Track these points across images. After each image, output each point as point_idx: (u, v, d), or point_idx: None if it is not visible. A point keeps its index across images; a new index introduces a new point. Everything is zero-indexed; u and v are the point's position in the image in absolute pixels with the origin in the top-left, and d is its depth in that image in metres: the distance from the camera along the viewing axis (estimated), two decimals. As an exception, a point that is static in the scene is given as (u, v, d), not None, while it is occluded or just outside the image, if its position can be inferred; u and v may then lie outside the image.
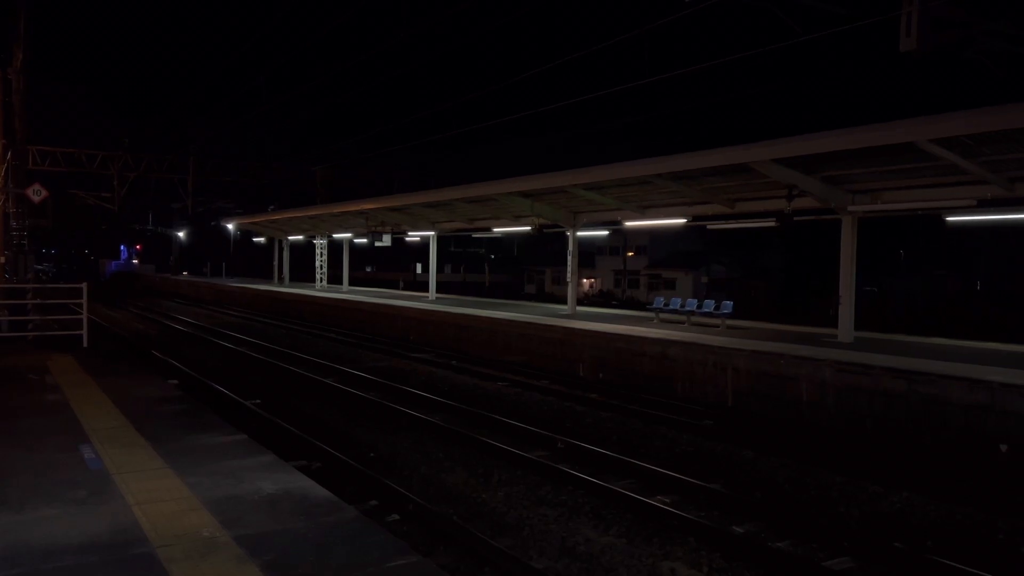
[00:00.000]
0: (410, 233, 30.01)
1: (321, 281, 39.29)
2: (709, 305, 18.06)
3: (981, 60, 9.67)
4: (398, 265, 70.08)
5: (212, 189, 47.44)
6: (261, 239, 46.61)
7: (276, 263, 44.69)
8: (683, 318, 18.35)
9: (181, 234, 56.14)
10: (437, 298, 28.24)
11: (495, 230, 24.70)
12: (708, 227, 20.38)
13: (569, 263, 21.78)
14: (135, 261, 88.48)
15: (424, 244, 29.23)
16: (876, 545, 6.68)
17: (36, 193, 16.60)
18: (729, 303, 17.73)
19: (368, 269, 73.90)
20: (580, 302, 25.11)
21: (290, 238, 41.39)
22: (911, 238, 51.96)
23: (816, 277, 41.99)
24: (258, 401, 12.64)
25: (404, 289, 44.38)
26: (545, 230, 23.51)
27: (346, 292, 33.84)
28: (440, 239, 28.53)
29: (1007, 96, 9.61)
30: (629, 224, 19.89)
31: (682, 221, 18.17)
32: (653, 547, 6.77)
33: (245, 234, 50.15)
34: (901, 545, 6.67)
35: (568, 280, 22.35)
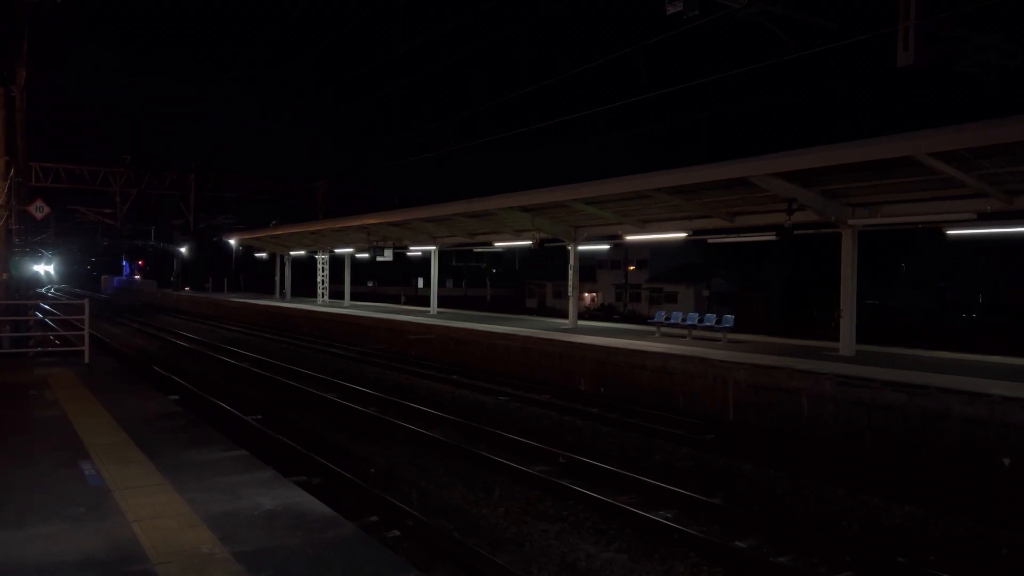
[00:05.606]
0: (411, 248, 30.08)
1: (323, 296, 39.32)
2: (710, 319, 18.05)
3: (975, 73, 9.72)
4: (400, 280, 70.14)
5: (214, 205, 47.67)
6: (263, 254, 46.71)
7: (278, 278, 44.75)
8: (684, 332, 18.34)
9: (183, 250, 56.16)
10: (438, 312, 28.25)
11: (496, 244, 24.74)
12: (708, 241, 20.41)
13: (570, 277, 21.79)
14: (137, 277, 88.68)
15: (425, 258, 29.29)
16: (878, 560, 6.64)
17: (39, 210, 16.67)
18: (730, 317, 17.73)
19: (370, 284, 73.99)
20: (581, 316, 25.11)
21: (292, 253, 41.47)
22: (912, 251, 51.97)
23: (817, 290, 42.00)
24: (258, 416, 12.62)
25: (406, 303, 44.40)
26: (546, 244, 23.55)
27: (348, 307, 33.84)
28: (441, 253, 28.59)
29: (1000, 108, 9.67)
30: (630, 238, 19.92)
31: (682, 235, 18.20)
32: (654, 562, 6.74)
33: (247, 249, 50.23)
34: (904, 560, 6.64)
35: (569, 294, 22.36)
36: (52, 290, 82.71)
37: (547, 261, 62.37)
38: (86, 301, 15.72)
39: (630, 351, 15.25)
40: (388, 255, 30.17)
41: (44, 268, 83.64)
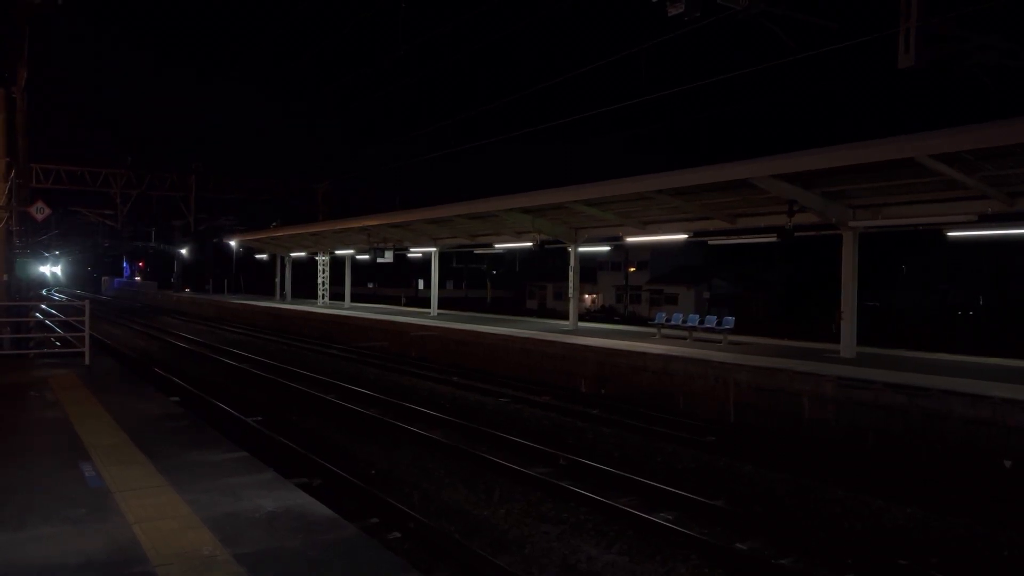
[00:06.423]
0: (412, 249, 30.07)
1: (323, 298, 39.31)
2: (711, 320, 18.03)
3: (975, 73, 9.72)
4: (400, 281, 70.10)
5: (215, 206, 47.68)
6: (263, 256, 46.72)
7: (278, 280, 44.76)
8: (685, 333, 18.32)
9: (183, 251, 56.21)
10: (439, 314, 28.24)
11: (496, 246, 24.75)
12: (709, 242, 20.42)
13: (570, 279, 21.79)
14: (137, 278, 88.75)
15: (426, 260, 29.30)
16: (880, 561, 6.63)
17: (39, 211, 16.66)
18: (731, 318, 17.70)
19: (370, 285, 73.92)
20: (582, 317, 25.10)
21: (292, 255, 41.48)
22: (913, 253, 51.96)
23: (818, 292, 41.99)
24: (259, 418, 12.62)
25: (406, 305, 44.39)
26: (546, 246, 23.56)
27: (348, 308, 33.84)
28: (442, 255, 28.59)
29: (1001, 109, 9.67)
30: (630, 240, 19.92)
31: (683, 237, 18.20)
32: (656, 564, 6.73)
33: (247, 251, 50.27)
34: (905, 561, 6.62)
35: (569, 296, 22.36)
36: (52, 291, 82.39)
37: (547, 262, 62.38)
38: (86, 302, 15.72)
39: (631, 352, 15.24)
40: (389, 257, 30.17)
41: (51, 270, 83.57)
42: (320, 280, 39.34)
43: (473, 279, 76.95)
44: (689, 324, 18.35)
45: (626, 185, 15.54)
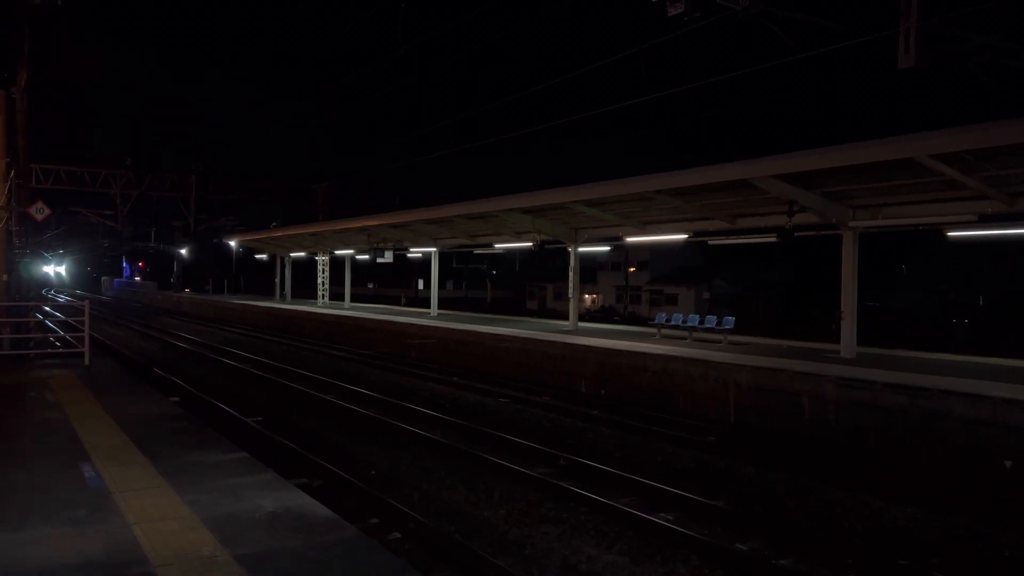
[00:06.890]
0: (412, 249, 30.07)
1: (323, 298, 39.31)
2: (711, 320, 18.03)
3: (975, 74, 9.72)
4: (400, 281, 70.03)
5: (214, 206, 47.73)
6: (263, 256, 46.72)
7: (278, 280, 44.75)
8: (685, 333, 18.32)
9: (183, 251, 56.17)
10: (439, 314, 28.23)
11: (496, 246, 24.74)
12: (709, 242, 20.41)
13: (570, 279, 21.79)
14: (137, 278, 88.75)
15: (426, 260, 29.30)
16: (880, 561, 6.63)
17: (39, 211, 16.64)
18: (731, 318, 17.70)
19: (370, 285, 73.86)
20: (582, 318, 25.10)
21: (292, 255, 41.47)
22: (913, 253, 51.92)
23: (818, 292, 41.97)
24: (259, 418, 12.61)
25: (406, 305, 44.39)
26: (546, 246, 23.56)
27: (348, 309, 33.84)
28: (442, 255, 28.58)
29: (1001, 109, 9.67)
30: (630, 240, 19.91)
31: (683, 237, 18.20)
32: (656, 564, 6.73)
33: (247, 251, 50.27)
34: (905, 561, 6.62)
35: (569, 296, 22.36)
36: (51, 292, 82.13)
37: (547, 263, 62.36)
38: (86, 303, 15.72)
39: (631, 353, 15.24)
40: (388, 257, 30.16)
41: (55, 270, 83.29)
42: (320, 280, 39.34)
43: (473, 279, 76.89)
44: (689, 324, 18.35)
45: (626, 185, 15.53)
